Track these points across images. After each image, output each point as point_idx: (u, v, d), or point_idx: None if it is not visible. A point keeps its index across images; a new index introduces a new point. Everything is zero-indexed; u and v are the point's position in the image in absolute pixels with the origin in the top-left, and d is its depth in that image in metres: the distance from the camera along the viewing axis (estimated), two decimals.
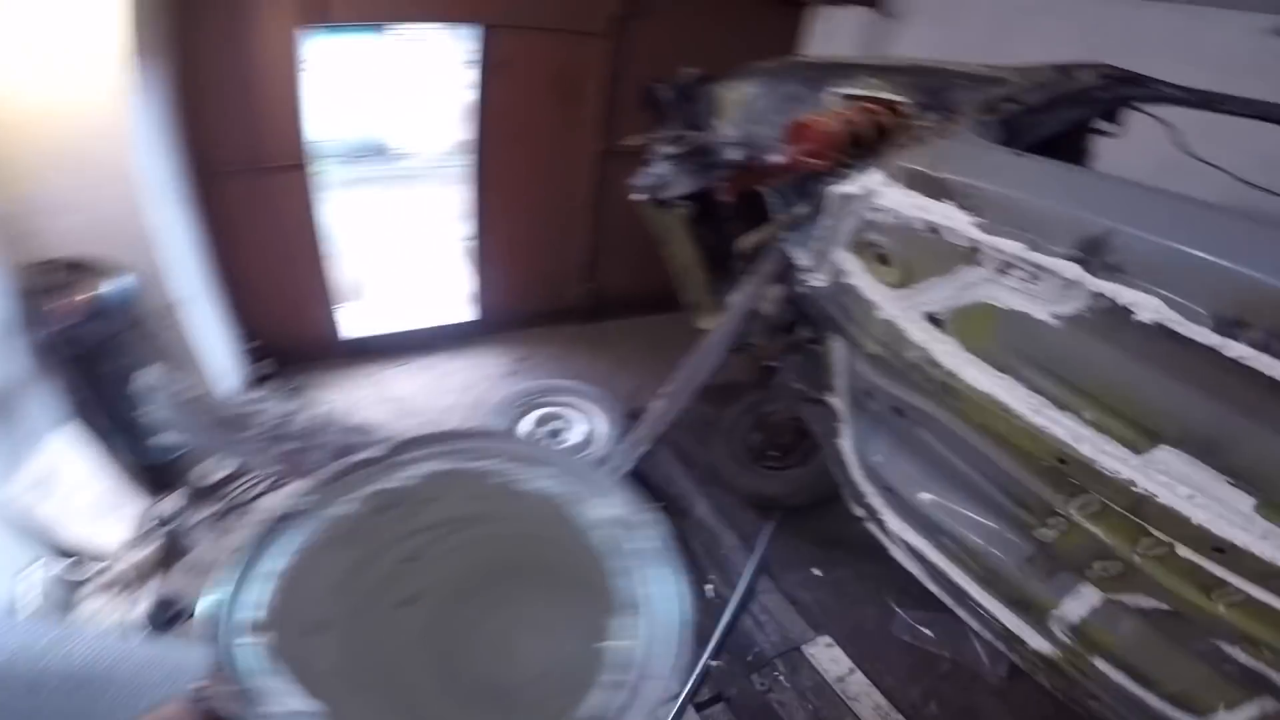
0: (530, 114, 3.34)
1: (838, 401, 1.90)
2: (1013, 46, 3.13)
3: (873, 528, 1.91)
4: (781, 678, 2.09)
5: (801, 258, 1.66)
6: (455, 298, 3.86)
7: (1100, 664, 1.45)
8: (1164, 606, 1.21)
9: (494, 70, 3.11)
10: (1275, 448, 0.89)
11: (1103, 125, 1.61)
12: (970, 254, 1.09)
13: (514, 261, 3.73)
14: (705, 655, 1.97)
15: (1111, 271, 0.88)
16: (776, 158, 1.66)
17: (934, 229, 1.09)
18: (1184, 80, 2.48)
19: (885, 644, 2.28)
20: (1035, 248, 0.94)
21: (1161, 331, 0.85)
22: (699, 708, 1.94)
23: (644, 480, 2.59)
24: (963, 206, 1.01)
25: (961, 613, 1.98)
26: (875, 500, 2.05)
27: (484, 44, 3.03)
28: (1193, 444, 0.97)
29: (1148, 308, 0.85)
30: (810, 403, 1.94)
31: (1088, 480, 1.12)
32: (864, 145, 1.52)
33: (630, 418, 2.62)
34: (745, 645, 2.17)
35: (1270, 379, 0.80)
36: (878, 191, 1.14)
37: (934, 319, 1.27)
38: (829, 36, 3.72)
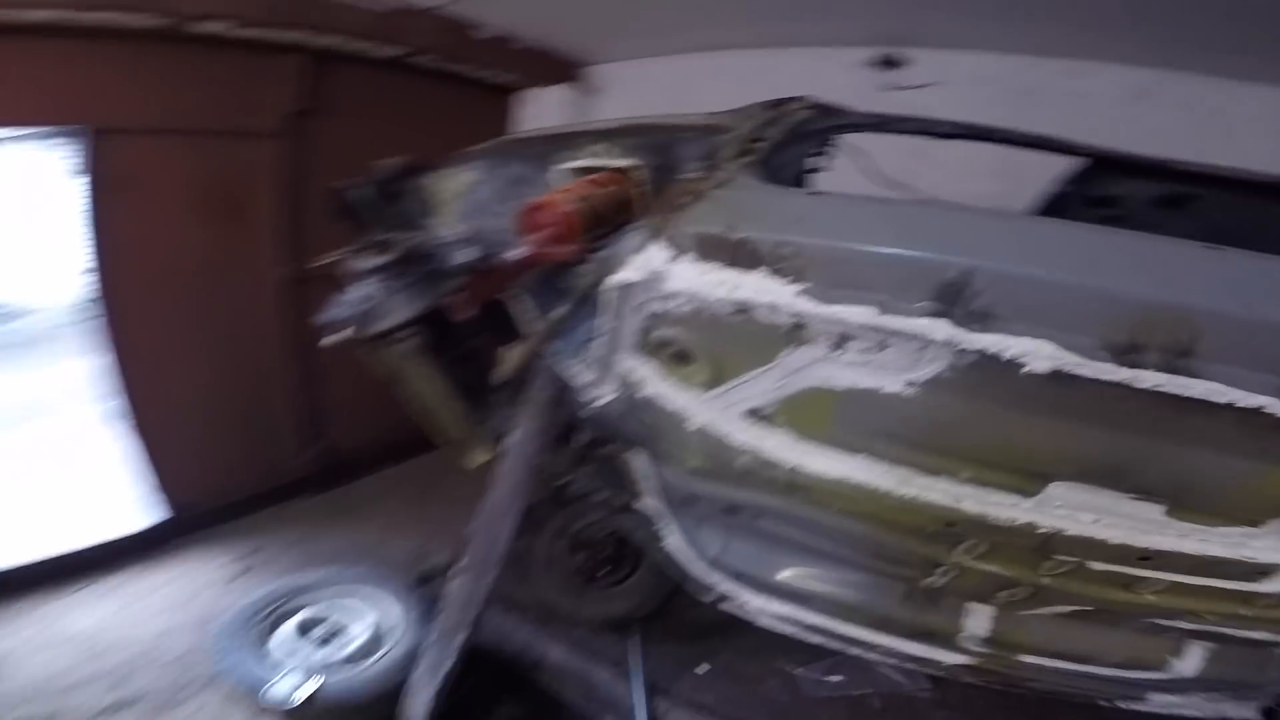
0: (175, 243, 2.59)
1: (653, 505, 1.62)
2: (697, 104, 3.42)
3: (730, 609, 1.71)
4: None
5: (577, 372, 1.26)
6: (126, 497, 2.81)
7: (1027, 659, 1.38)
8: (1087, 609, 1.11)
9: (113, 190, 2.32)
10: (1179, 458, 0.77)
11: (816, 159, 1.56)
12: (795, 333, 0.80)
13: (195, 438, 2.81)
14: None
15: (982, 320, 0.65)
16: (515, 254, 1.31)
17: (743, 309, 0.77)
18: None
19: (808, 708, 2.02)
20: (886, 310, 0.67)
21: (1053, 377, 0.63)
22: None
23: (475, 653, 1.97)
24: (777, 273, 0.71)
25: (858, 651, 1.82)
26: (726, 587, 1.80)
27: (93, 155, 2.22)
28: (1090, 474, 0.87)
29: (1041, 355, 0.65)
30: (621, 512, 1.73)
31: (984, 534, 1.00)
32: (606, 221, 1.28)
33: (423, 584, 2.28)
34: None
35: (1174, 396, 0.62)
36: (664, 273, 0.80)
37: (758, 414, 0.97)
38: (536, 119, 3.65)
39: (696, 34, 3.30)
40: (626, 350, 1.04)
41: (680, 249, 0.76)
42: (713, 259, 0.74)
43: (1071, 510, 0.88)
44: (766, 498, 1.17)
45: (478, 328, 1.80)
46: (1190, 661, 1.34)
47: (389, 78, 2.96)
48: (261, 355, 2.91)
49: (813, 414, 0.93)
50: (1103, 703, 2.07)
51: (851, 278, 0.70)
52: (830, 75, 3.04)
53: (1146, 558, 0.89)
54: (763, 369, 0.88)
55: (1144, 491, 0.84)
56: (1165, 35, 2.39)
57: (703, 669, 2.10)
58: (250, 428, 2.97)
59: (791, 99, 1.30)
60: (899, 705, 1.99)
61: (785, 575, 1.65)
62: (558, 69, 3.61)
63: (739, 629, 2.17)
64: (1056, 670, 1.44)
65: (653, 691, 1.99)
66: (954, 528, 0.95)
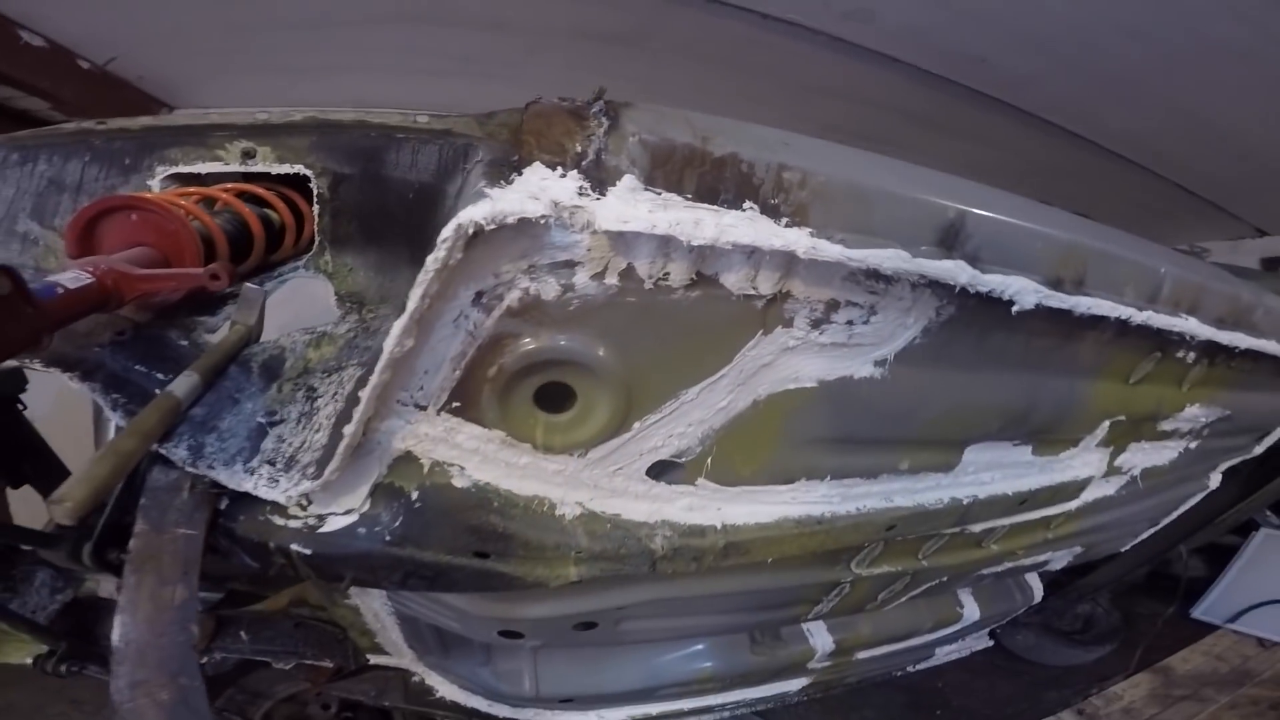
0: None
1: (405, 653, 1.23)
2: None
3: None
4: None
5: (253, 481, 0.63)
6: None
7: (861, 654, 1.44)
8: (940, 580, 1.12)
9: None
10: (1049, 392, 0.80)
11: None
12: (772, 307, 0.50)
13: None
14: None
15: (975, 259, 0.51)
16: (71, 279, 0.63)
17: (710, 278, 0.43)
18: None
19: None
20: (909, 247, 0.46)
21: (1035, 313, 0.55)
22: None
23: None
24: (773, 210, 0.40)
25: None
26: (545, 717, 1.38)
27: None
28: (998, 426, 0.84)
29: (1026, 290, 0.56)
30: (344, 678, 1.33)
31: (911, 528, 0.90)
32: (244, 252, 0.89)
33: None
34: None
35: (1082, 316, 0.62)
36: (574, 212, 0.37)
37: (667, 468, 0.63)
38: None
39: (336, 83, 2.88)
40: (427, 408, 0.54)
41: (608, 172, 0.38)
42: (670, 186, 0.39)
43: (979, 473, 0.85)
44: (665, 588, 0.80)
45: None
46: (971, 607, 1.57)
47: None
48: None
49: (757, 442, 0.65)
50: (897, 673, 2.37)
51: (864, 220, 0.47)
52: None
53: (1024, 502, 0.93)
54: (704, 383, 0.55)
55: (1026, 436, 0.87)
56: (738, 111, 3.15)
57: None
58: None
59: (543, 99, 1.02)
60: None
61: (619, 677, 1.30)
62: (133, 106, 2.82)
63: None
64: (884, 655, 1.51)
65: None
66: (894, 529, 0.82)
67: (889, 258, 0.45)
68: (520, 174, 0.42)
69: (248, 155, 0.89)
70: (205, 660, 1.54)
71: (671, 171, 0.41)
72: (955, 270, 0.49)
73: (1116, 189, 3.51)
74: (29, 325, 0.57)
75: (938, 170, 0.66)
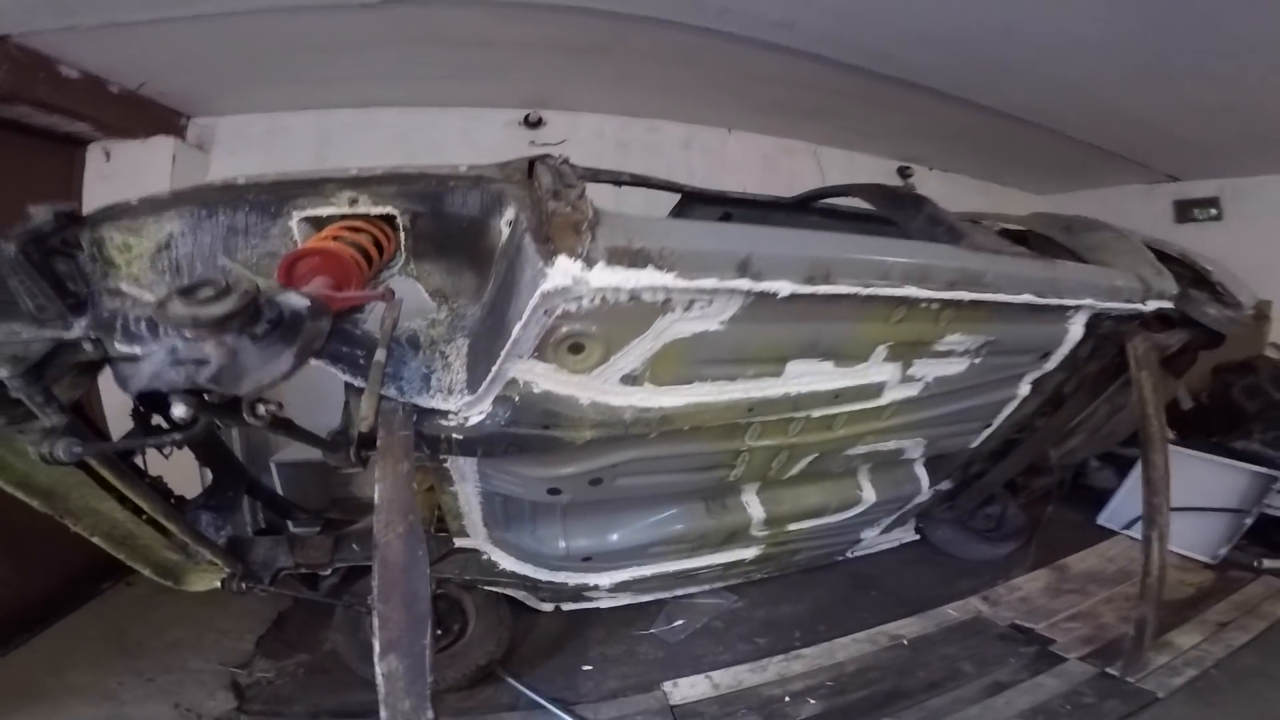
0: None
1: (481, 533, 1.88)
2: (340, 160, 3.57)
3: (577, 603, 2.23)
4: None
5: (433, 401, 1.47)
6: None
7: (793, 526, 2.21)
8: (814, 456, 1.98)
9: None
10: (833, 330, 1.67)
11: None
12: (664, 305, 1.34)
13: None
14: None
15: (758, 276, 1.33)
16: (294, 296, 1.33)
17: (635, 295, 1.26)
18: None
19: (681, 650, 2.67)
20: (721, 278, 1.28)
21: (789, 298, 1.37)
22: None
23: None
24: (659, 267, 1.22)
25: (681, 590, 2.49)
26: (575, 577, 2.24)
27: None
28: (803, 351, 1.70)
29: (784, 288, 1.37)
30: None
31: (764, 410, 1.76)
32: (371, 265, 1.46)
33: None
34: None
35: (829, 295, 1.45)
36: (581, 278, 1.18)
37: (630, 378, 1.48)
38: (122, 176, 3.32)
39: (344, 89, 3.52)
40: (523, 357, 1.38)
41: (591, 259, 1.19)
42: (617, 263, 1.21)
43: (799, 377, 1.70)
44: (634, 449, 1.67)
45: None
46: (868, 490, 2.42)
47: None
48: None
49: (668, 363, 1.50)
50: (838, 558, 3.26)
51: (701, 264, 1.29)
52: (486, 133, 3.76)
53: (838, 396, 1.77)
54: (638, 338, 1.39)
55: (824, 355, 1.71)
56: (694, 99, 3.92)
57: (587, 667, 2.47)
58: None
59: (544, 156, 1.79)
60: (730, 618, 2.86)
61: (621, 536, 2.17)
62: (156, 118, 3.39)
63: (581, 628, 2.70)
64: (809, 530, 2.37)
65: (564, 703, 2.25)
66: (753, 411, 1.65)
67: (708, 283, 1.28)
68: (555, 261, 1.23)
69: (352, 201, 1.60)
70: (330, 572, 2.34)
71: (617, 256, 1.21)
72: (741, 284, 1.31)
73: (1036, 148, 4.32)
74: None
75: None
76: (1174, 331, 2.65)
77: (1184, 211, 4.95)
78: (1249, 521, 3.32)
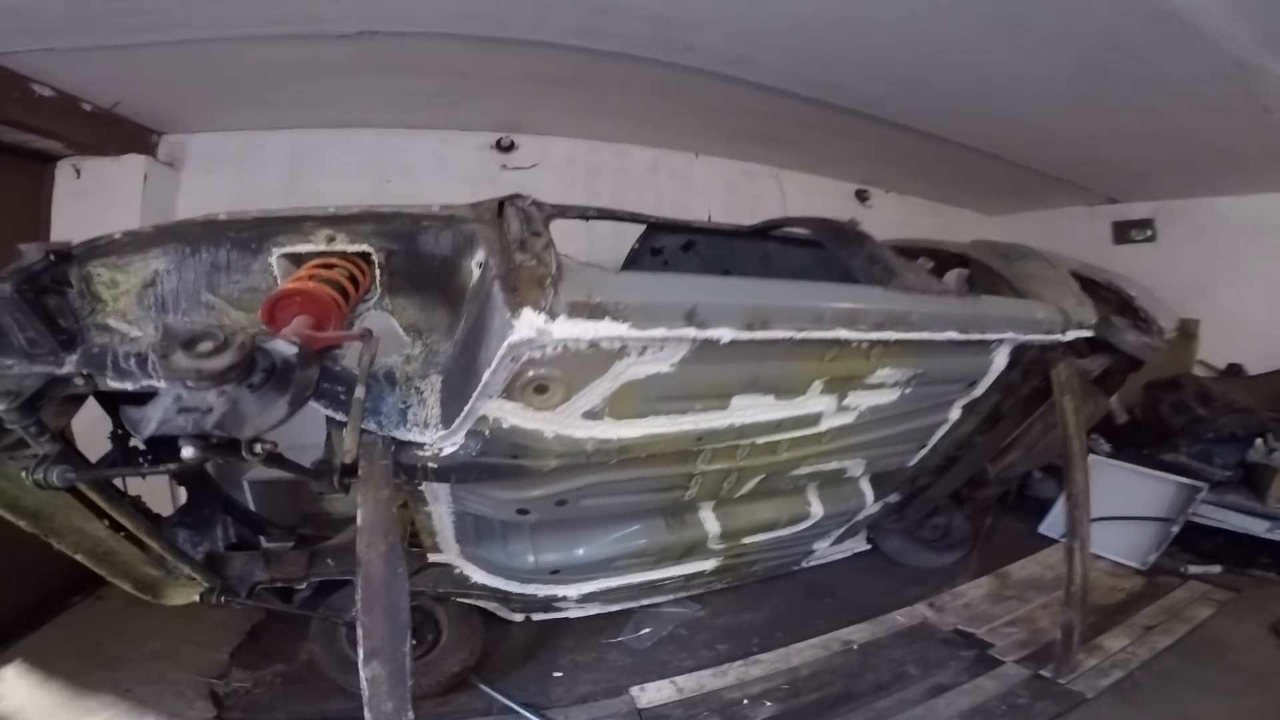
0: None
1: (452, 549, 2.08)
2: (314, 180, 3.70)
3: (546, 614, 2.41)
4: None
5: (409, 434, 1.63)
6: None
7: (747, 540, 2.41)
8: (761, 476, 2.18)
9: None
10: (771, 368, 1.88)
11: None
12: (620, 351, 1.52)
13: None
14: None
15: (702, 324, 1.52)
16: (284, 348, 1.46)
17: (594, 344, 1.44)
18: (442, 189, 3.73)
19: (648, 656, 2.85)
20: (670, 327, 1.47)
21: (731, 343, 1.57)
22: None
23: None
24: (615, 318, 1.41)
25: (646, 600, 2.68)
26: (544, 589, 2.41)
27: None
28: (745, 387, 1.91)
29: (726, 335, 1.58)
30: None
31: (712, 439, 1.98)
32: (349, 300, 1.60)
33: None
34: None
35: (765, 340, 1.65)
36: (545, 330, 1.35)
37: (590, 414, 1.66)
38: (93, 193, 3.34)
39: (318, 111, 3.62)
40: (492, 397, 1.54)
41: (554, 312, 1.36)
42: (578, 316, 1.38)
43: (742, 410, 1.91)
44: (596, 474, 1.86)
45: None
46: (816, 505, 2.63)
47: None
48: None
49: (624, 400, 1.69)
50: (794, 568, 3.46)
51: (652, 315, 1.48)
52: (459, 156, 3.91)
53: (779, 425, 1.99)
54: (597, 380, 1.58)
55: (765, 390, 1.91)
56: (660, 124, 4.13)
57: (558, 674, 2.63)
58: None
59: (514, 196, 1.95)
60: (693, 626, 3.08)
61: (587, 551, 2.35)
62: (128, 135, 3.44)
63: (552, 637, 2.87)
64: (763, 543, 2.56)
65: (536, 708, 2.40)
66: (701, 440, 1.86)
67: (658, 333, 1.47)
68: (521, 314, 1.39)
69: (330, 239, 1.74)
70: (305, 585, 2.46)
71: (577, 310, 1.38)
72: (687, 332, 1.50)
73: (984, 172, 4.64)
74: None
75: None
76: (1097, 357, 2.93)
77: (1122, 233, 5.29)
78: (1176, 530, 3.61)
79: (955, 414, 2.59)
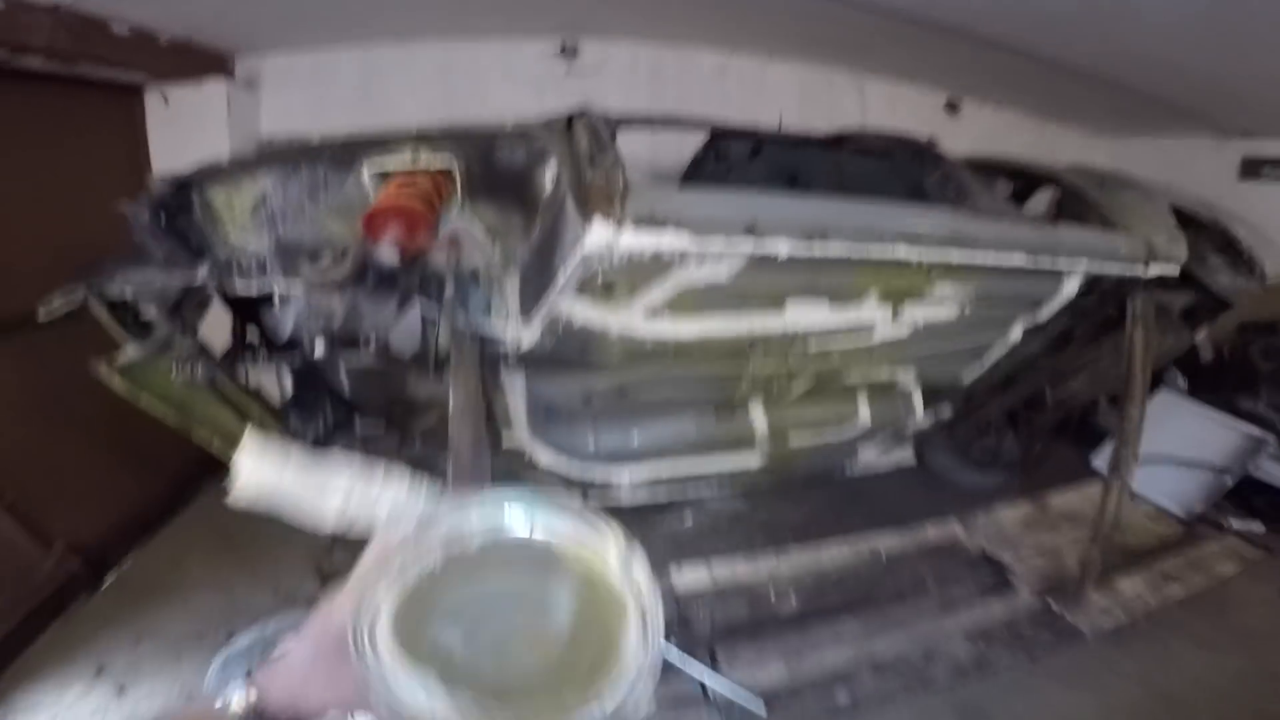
0: None
1: (522, 434, 2.32)
2: (385, 94, 3.83)
3: (603, 499, 2.60)
4: None
5: (491, 329, 1.83)
6: None
7: (793, 440, 2.57)
8: (812, 379, 2.35)
9: None
10: (828, 275, 1.93)
11: None
12: (681, 259, 1.65)
13: None
14: None
15: (760, 238, 1.61)
16: (388, 254, 1.65)
17: (656, 252, 1.58)
18: (508, 97, 3.77)
19: (689, 542, 3.18)
20: (729, 239, 1.58)
21: (789, 256, 1.67)
22: None
23: None
24: (677, 231, 1.53)
25: (694, 492, 2.91)
26: (602, 472, 2.65)
27: None
28: (800, 292, 2.00)
29: (784, 248, 1.66)
30: None
31: (763, 341, 2.13)
32: (435, 210, 1.76)
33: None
34: None
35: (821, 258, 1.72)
36: (613, 240, 1.50)
37: (651, 313, 1.82)
38: (183, 119, 3.56)
39: (385, 21, 3.68)
40: (564, 298, 1.72)
41: (622, 225, 1.50)
42: (642, 228, 1.51)
43: (797, 314, 2.03)
44: (654, 368, 2.06)
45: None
46: (864, 412, 2.75)
47: None
48: None
49: (683, 302, 1.85)
50: (838, 473, 3.63)
51: (712, 227, 1.59)
52: (524, 64, 3.94)
53: (833, 332, 2.11)
54: (659, 284, 1.73)
55: (820, 295, 2.00)
56: (730, 26, 3.97)
57: None
58: None
59: (582, 111, 2.05)
60: (733, 518, 3.38)
61: (641, 438, 2.56)
62: (206, 61, 3.58)
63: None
64: (809, 445, 2.72)
65: None
66: (754, 342, 2.06)
67: (717, 244, 1.58)
68: (592, 226, 1.53)
69: (415, 155, 1.89)
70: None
71: (642, 222, 1.51)
72: (743, 243, 1.60)
73: (1088, 95, 4.25)
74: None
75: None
76: (1181, 292, 2.83)
77: (1252, 169, 4.78)
78: (1230, 481, 3.47)
79: (1016, 334, 2.60)
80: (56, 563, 2.71)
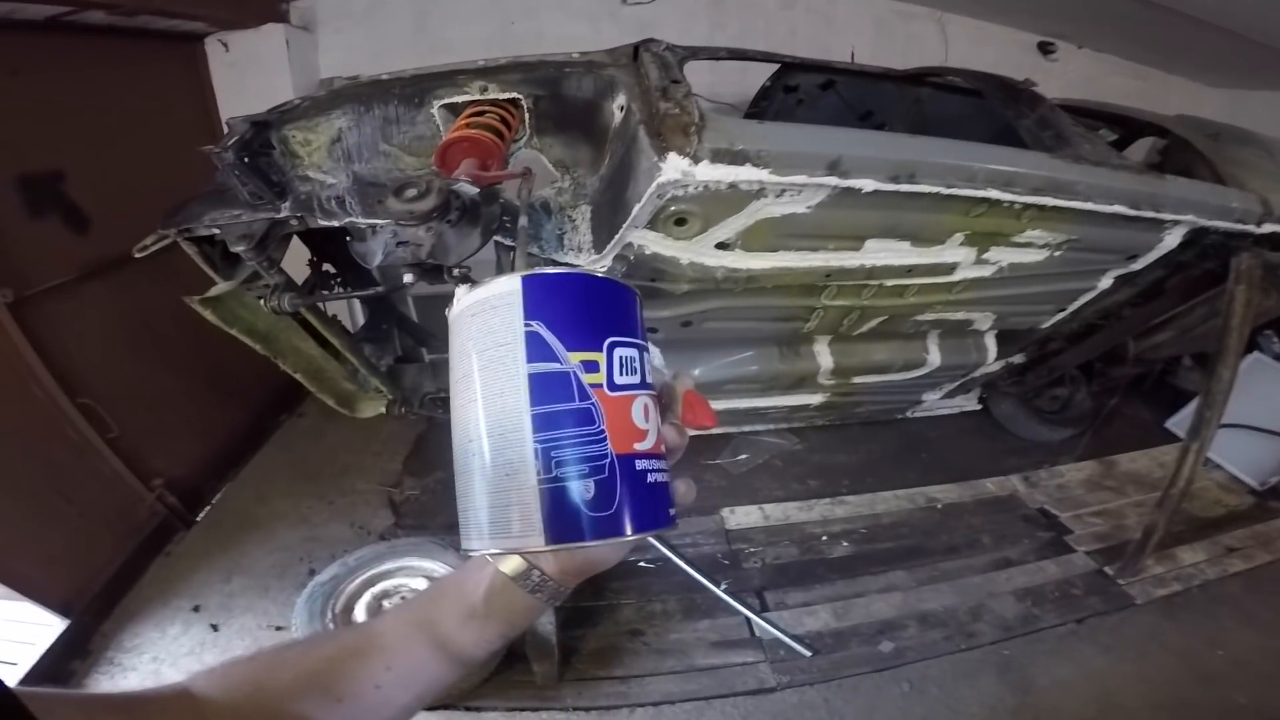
0: None
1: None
2: (440, 29, 3.80)
3: None
4: None
5: (565, 258, 1.86)
6: None
7: (858, 379, 2.55)
8: (883, 318, 2.32)
9: None
10: (910, 217, 1.89)
11: None
12: (759, 192, 1.62)
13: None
14: None
15: (845, 174, 1.57)
16: (465, 184, 1.67)
17: (733, 185, 1.55)
18: (564, 30, 3.62)
19: (742, 481, 3.19)
20: (811, 175, 1.54)
21: (873, 193, 1.62)
22: None
23: None
24: (756, 165, 1.50)
25: (749, 428, 2.92)
26: None
27: None
28: (881, 232, 1.94)
29: (869, 186, 1.63)
30: None
31: (840, 277, 2.07)
32: (504, 142, 1.75)
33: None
34: None
35: (908, 193, 1.66)
36: (689, 172, 1.49)
37: (722, 245, 1.80)
38: (244, 63, 3.63)
39: None
40: (637, 228, 1.72)
41: (698, 157, 1.48)
42: (720, 161, 1.49)
43: (875, 252, 1.98)
44: (722, 300, 2.07)
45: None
46: (934, 354, 2.68)
47: (44, 41, 2.71)
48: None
49: (757, 235, 1.82)
50: (899, 416, 3.57)
51: (794, 163, 1.55)
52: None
53: (911, 270, 2.05)
54: (733, 216, 1.71)
55: (902, 236, 1.95)
56: None
57: None
58: (68, 496, 2.64)
59: (649, 40, 1.98)
60: (789, 458, 3.32)
61: (703, 370, 2.58)
62: (261, 6, 3.63)
63: None
64: (873, 385, 2.69)
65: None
66: (830, 276, 2.01)
67: (799, 179, 1.54)
68: (667, 158, 1.51)
69: (483, 89, 1.87)
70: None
71: (720, 156, 1.48)
72: (829, 181, 1.56)
73: (1204, 42, 3.82)
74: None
75: None
76: None
77: None
78: None
79: (1106, 283, 2.47)
80: (157, 499, 2.90)
